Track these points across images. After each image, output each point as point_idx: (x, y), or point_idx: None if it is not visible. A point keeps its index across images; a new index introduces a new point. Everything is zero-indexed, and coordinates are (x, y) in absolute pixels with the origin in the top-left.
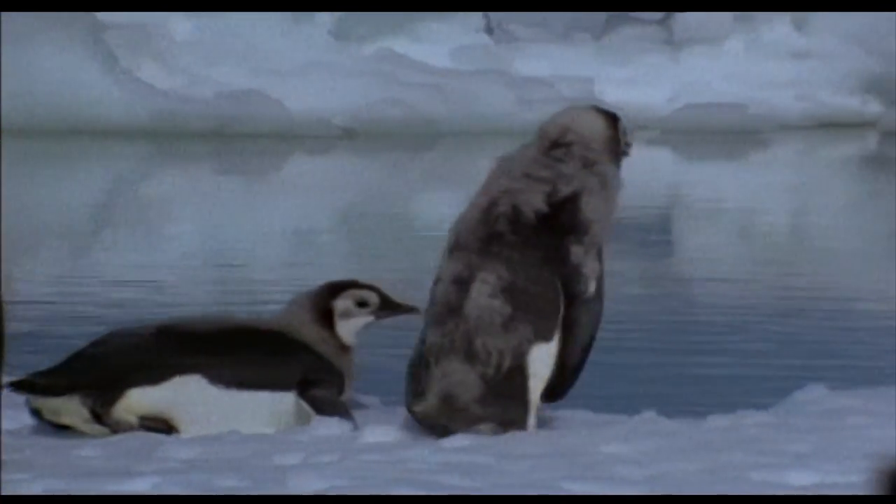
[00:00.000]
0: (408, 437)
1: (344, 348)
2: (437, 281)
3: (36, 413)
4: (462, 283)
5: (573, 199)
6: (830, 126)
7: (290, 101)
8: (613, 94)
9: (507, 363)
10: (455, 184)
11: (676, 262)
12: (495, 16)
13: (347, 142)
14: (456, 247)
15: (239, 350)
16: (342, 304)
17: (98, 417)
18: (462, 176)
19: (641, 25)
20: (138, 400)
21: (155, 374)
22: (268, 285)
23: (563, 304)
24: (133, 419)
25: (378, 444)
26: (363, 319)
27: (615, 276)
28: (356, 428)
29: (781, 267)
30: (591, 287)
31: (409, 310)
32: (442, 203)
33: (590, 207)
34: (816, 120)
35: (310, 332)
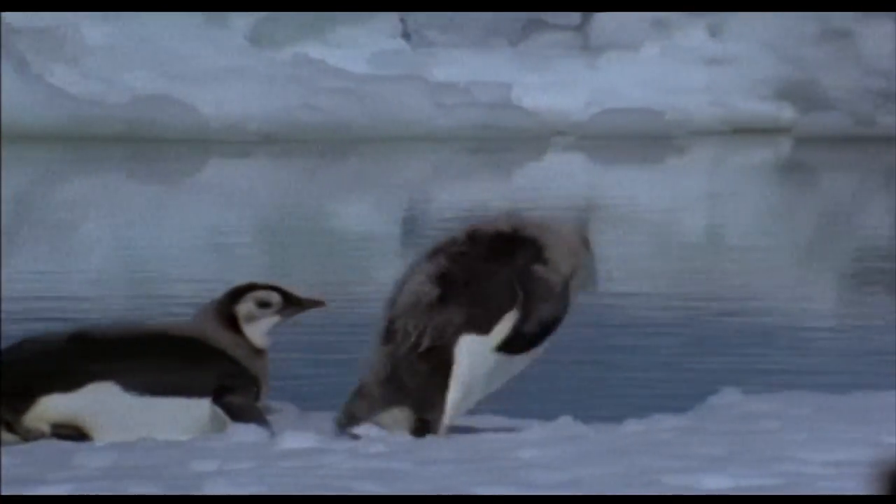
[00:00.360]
0: (324, 443)
1: (257, 352)
2: None
3: None
4: (403, 282)
5: (537, 246)
6: (745, 132)
7: (205, 107)
8: (530, 100)
9: (426, 342)
10: (372, 188)
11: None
12: (412, 21)
13: (264, 147)
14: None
15: (153, 357)
16: (244, 307)
17: (9, 426)
18: (379, 181)
19: (558, 31)
20: (51, 407)
21: (67, 381)
22: (183, 293)
23: (524, 302)
24: (45, 427)
25: (294, 450)
26: (269, 320)
27: None
28: (273, 434)
29: (696, 272)
30: (555, 289)
31: (315, 304)
32: (359, 208)
33: (553, 256)
34: (731, 125)
35: (222, 338)
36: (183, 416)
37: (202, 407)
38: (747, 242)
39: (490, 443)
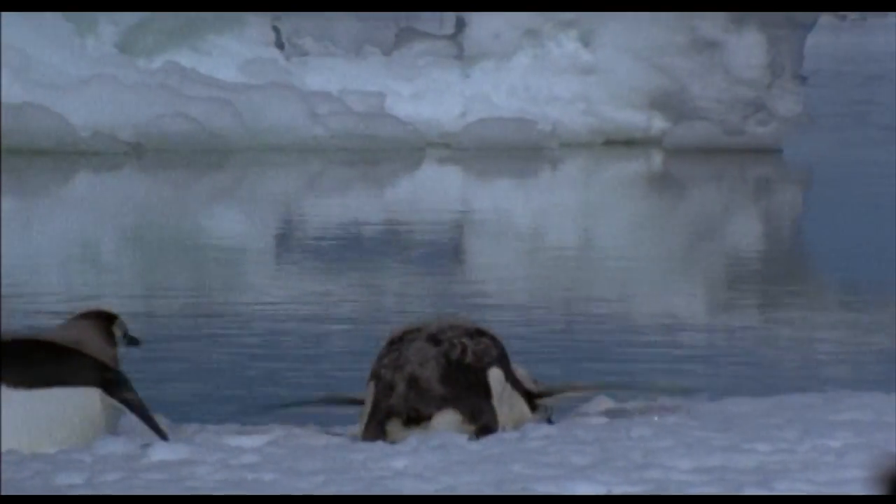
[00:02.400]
0: (193, 456)
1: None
2: None
3: None
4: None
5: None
6: (617, 143)
7: (73, 116)
8: (404, 109)
9: (469, 357)
10: (244, 199)
11: (466, 279)
12: (285, 30)
13: (135, 158)
14: None
15: (37, 356)
16: (118, 331)
17: None
18: (251, 191)
19: (431, 40)
20: None
21: None
22: (50, 307)
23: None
24: None
25: (162, 462)
26: (121, 347)
27: (406, 295)
28: (167, 437)
29: (569, 282)
30: None
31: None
32: (231, 219)
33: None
34: (604, 136)
35: (104, 353)
36: (71, 407)
37: (91, 397)
38: (619, 254)
39: (360, 452)
